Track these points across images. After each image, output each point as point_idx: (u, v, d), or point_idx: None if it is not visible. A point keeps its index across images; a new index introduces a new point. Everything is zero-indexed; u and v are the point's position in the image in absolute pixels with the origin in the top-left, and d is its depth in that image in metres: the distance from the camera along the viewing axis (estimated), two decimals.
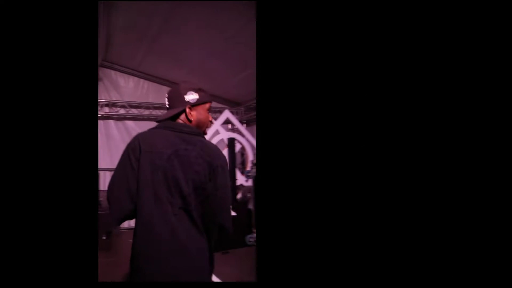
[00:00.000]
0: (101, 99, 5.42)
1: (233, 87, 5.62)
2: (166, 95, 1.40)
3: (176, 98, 1.35)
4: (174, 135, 1.26)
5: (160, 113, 5.68)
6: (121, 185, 1.23)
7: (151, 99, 5.76)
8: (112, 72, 5.54)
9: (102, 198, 5.04)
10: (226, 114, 5.42)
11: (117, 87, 5.60)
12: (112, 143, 5.42)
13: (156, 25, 3.86)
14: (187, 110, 1.32)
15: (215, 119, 5.39)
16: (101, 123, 5.43)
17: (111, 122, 5.54)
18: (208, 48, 4.29)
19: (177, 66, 5.15)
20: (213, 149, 1.30)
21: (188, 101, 1.33)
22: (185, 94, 1.34)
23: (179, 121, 1.32)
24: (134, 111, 5.63)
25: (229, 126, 6.06)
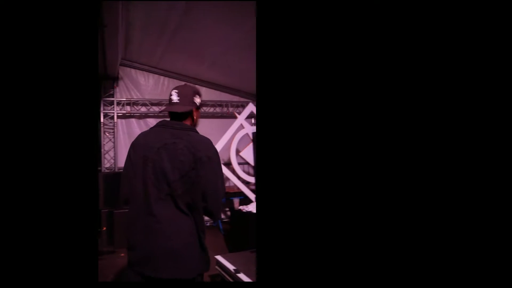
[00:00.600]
0: (122, 98, 5.60)
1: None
2: (176, 90, 1.56)
3: (187, 97, 1.54)
4: (166, 131, 1.47)
5: None
6: (124, 176, 1.49)
7: None
8: (132, 70, 5.68)
9: None
10: (250, 107, 5.45)
11: (138, 86, 5.74)
12: None
13: (174, 22, 3.94)
14: (194, 110, 1.56)
15: (239, 113, 5.45)
16: (123, 121, 5.61)
17: (133, 120, 5.70)
18: (229, 42, 4.32)
19: (198, 61, 5.23)
20: (201, 142, 1.48)
21: (195, 103, 1.56)
22: (194, 96, 1.56)
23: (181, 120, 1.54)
24: (155, 108, 5.76)
25: (253, 120, 6.11)
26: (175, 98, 1.53)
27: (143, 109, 5.72)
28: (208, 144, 1.49)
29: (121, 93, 5.64)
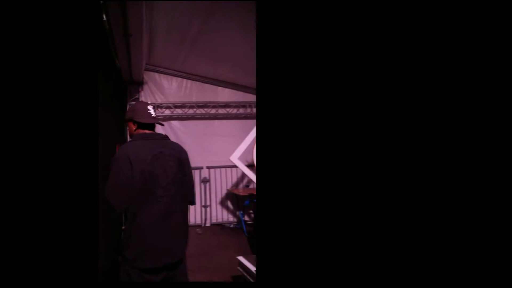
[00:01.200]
0: (147, 101, 5.89)
1: None
2: (151, 106, 1.97)
3: (147, 112, 1.93)
4: (150, 143, 1.80)
5: (204, 111, 6.03)
6: (122, 187, 1.70)
7: (195, 98, 6.12)
8: (156, 74, 6.00)
9: None
10: None
11: (162, 89, 6.06)
12: None
13: (196, 26, 4.14)
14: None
15: None
16: None
17: None
18: (251, 43, 4.42)
19: (220, 63, 5.40)
20: (178, 147, 1.96)
21: (154, 117, 1.95)
22: (151, 110, 1.94)
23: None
24: (178, 111, 6.04)
25: None
26: (153, 112, 1.94)
27: (167, 111, 6.01)
28: (183, 148, 1.98)
29: (145, 97, 5.96)
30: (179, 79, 6.12)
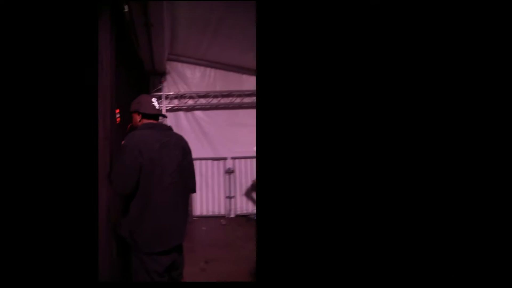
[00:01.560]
0: (170, 92, 5.96)
1: None
2: (155, 99, 2.10)
3: (151, 104, 2.07)
4: (157, 133, 1.93)
5: (228, 101, 6.02)
6: (127, 172, 1.79)
7: (219, 87, 6.06)
8: (179, 64, 6.01)
9: None
10: None
11: (185, 79, 6.07)
12: (182, 133, 5.66)
13: (218, 13, 4.09)
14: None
15: None
16: (171, 115, 5.98)
17: (181, 113, 6.05)
18: None
19: (244, 50, 5.34)
20: (181, 137, 2.13)
21: (158, 109, 2.09)
22: (155, 103, 2.08)
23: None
24: (202, 101, 6.04)
25: None
26: (156, 104, 2.08)
27: (190, 101, 6.04)
28: (184, 139, 2.16)
29: (168, 87, 6.02)
30: (202, 68, 6.10)
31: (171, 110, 6.00)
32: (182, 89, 6.06)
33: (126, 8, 3.33)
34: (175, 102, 6.02)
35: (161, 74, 5.88)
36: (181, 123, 5.99)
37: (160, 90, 5.94)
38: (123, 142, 1.89)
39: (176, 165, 1.93)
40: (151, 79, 5.90)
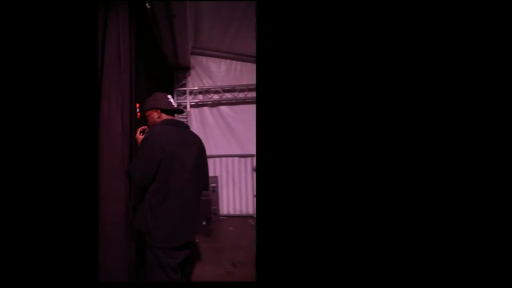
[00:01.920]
0: (195, 86, 5.88)
1: None
2: (170, 96, 2.11)
3: (168, 100, 2.09)
4: (178, 130, 1.97)
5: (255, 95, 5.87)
6: (145, 166, 1.83)
7: (245, 80, 5.83)
8: (203, 58, 5.91)
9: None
10: None
11: (209, 73, 5.97)
12: (207, 129, 5.84)
13: (243, 3, 3.97)
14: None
15: None
16: (195, 110, 5.91)
17: (206, 109, 5.96)
18: None
19: None
20: (197, 136, 2.14)
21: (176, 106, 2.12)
22: (171, 99, 2.10)
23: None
24: (228, 95, 5.89)
25: None
26: (173, 101, 2.11)
27: (216, 96, 5.93)
28: (199, 137, 2.15)
29: (193, 82, 5.93)
30: (228, 61, 5.95)
31: (196, 105, 5.93)
32: (207, 84, 5.96)
33: (148, 5, 3.26)
34: (200, 97, 5.93)
35: (185, 69, 5.81)
36: (206, 119, 5.90)
37: (184, 85, 5.88)
38: (144, 136, 1.93)
39: (194, 163, 1.96)
40: (175, 74, 5.84)
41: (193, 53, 5.66)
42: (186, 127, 2.13)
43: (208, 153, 5.76)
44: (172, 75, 5.83)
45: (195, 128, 5.88)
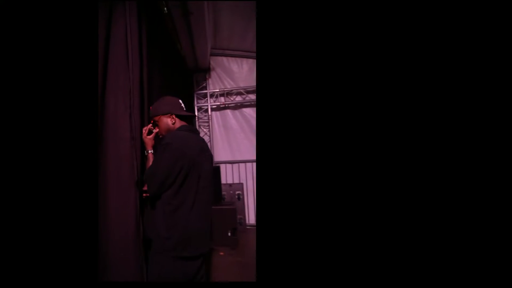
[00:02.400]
0: (215, 89, 5.71)
1: None
2: (181, 100, 2.06)
3: (181, 105, 2.05)
4: (194, 136, 1.95)
5: None
6: (171, 172, 1.76)
7: None
8: (224, 59, 5.73)
9: (225, 192, 5.34)
10: None
11: (231, 74, 5.78)
12: (230, 133, 5.66)
13: None
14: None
15: None
16: (217, 114, 5.74)
17: (228, 111, 5.77)
18: None
19: None
20: (206, 143, 2.08)
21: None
22: (182, 104, 2.06)
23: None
24: (251, 96, 5.67)
25: None
26: (184, 107, 2.05)
27: (238, 98, 5.73)
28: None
29: (214, 84, 5.77)
30: (250, 60, 5.73)
31: (217, 108, 5.75)
32: (229, 85, 5.77)
33: (165, 10, 3.14)
34: (221, 99, 5.74)
35: (205, 71, 5.65)
36: (228, 122, 5.71)
37: (204, 87, 5.72)
38: (164, 141, 1.83)
39: (209, 170, 1.95)
40: (194, 76, 5.69)
41: (212, 54, 5.49)
42: (199, 133, 2.11)
43: (231, 158, 5.65)
44: (191, 78, 5.68)
45: (217, 132, 5.72)
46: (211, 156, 2.03)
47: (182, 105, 2.03)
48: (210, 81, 5.76)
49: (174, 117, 1.97)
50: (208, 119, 5.71)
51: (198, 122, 5.73)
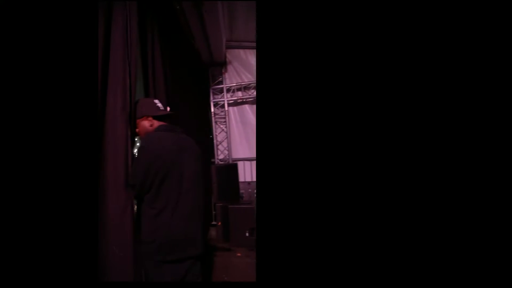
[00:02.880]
0: (232, 83, 5.60)
1: None
2: (157, 100, 2.08)
3: (156, 105, 2.05)
4: (174, 135, 1.91)
5: None
6: (147, 175, 1.77)
7: None
8: (241, 51, 5.60)
9: (243, 190, 5.25)
10: None
11: (248, 67, 5.62)
12: (249, 129, 5.55)
13: None
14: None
15: None
16: (234, 109, 5.64)
17: (246, 106, 5.65)
18: None
19: None
20: (194, 141, 2.07)
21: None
22: (158, 104, 2.05)
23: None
24: None
25: None
26: (161, 106, 2.04)
27: None
28: (195, 143, 2.07)
29: (230, 79, 5.65)
30: None
31: (235, 103, 5.64)
32: (246, 79, 5.61)
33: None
34: (239, 94, 5.62)
35: (221, 64, 5.54)
36: (247, 118, 5.59)
37: (220, 82, 5.62)
38: (140, 144, 1.88)
39: (193, 170, 1.91)
40: (209, 71, 5.60)
41: (229, 47, 5.37)
42: (183, 131, 2.05)
43: (249, 155, 5.54)
44: (206, 72, 5.60)
45: (234, 128, 5.63)
46: (196, 155, 2.00)
47: (158, 104, 2.05)
48: (226, 75, 5.65)
49: (151, 119, 1.99)
50: (225, 114, 5.63)
51: (214, 118, 5.65)
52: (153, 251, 1.77)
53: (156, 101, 2.07)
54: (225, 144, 5.64)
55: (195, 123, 4.27)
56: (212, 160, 5.50)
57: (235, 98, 5.61)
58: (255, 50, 5.43)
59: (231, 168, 4.79)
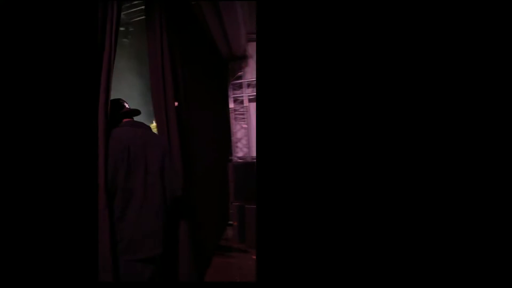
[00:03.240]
0: (253, 78, 5.46)
1: None
2: (123, 101, 2.09)
3: (122, 104, 2.08)
4: (138, 130, 1.92)
5: None
6: (114, 170, 1.74)
7: None
8: None
9: None
10: None
11: None
12: None
13: None
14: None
15: None
16: (255, 105, 5.50)
17: None
18: None
19: None
20: (161, 137, 2.26)
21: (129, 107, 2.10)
22: (124, 103, 2.08)
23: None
24: None
25: None
26: (127, 105, 2.07)
27: None
28: (163, 138, 2.23)
29: (251, 73, 5.52)
30: None
31: (252, 100, 5.51)
32: None
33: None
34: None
35: (241, 58, 5.42)
36: None
37: (240, 77, 5.50)
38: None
39: (158, 165, 1.91)
40: (229, 65, 5.49)
41: (249, 40, 5.24)
42: (148, 128, 2.07)
43: None
44: (226, 67, 5.49)
45: (254, 125, 5.50)
46: (161, 148, 1.98)
47: (123, 103, 2.08)
48: (247, 69, 5.53)
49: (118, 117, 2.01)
50: (245, 111, 5.50)
51: (234, 115, 5.54)
52: (121, 250, 1.74)
53: (121, 100, 2.10)
54: (243, 141, 5.52)
55: (211, 119, 4.18)
56: (230, 157, 5.40)
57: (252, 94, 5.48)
58: None
59: (249, 166, 4.68)
